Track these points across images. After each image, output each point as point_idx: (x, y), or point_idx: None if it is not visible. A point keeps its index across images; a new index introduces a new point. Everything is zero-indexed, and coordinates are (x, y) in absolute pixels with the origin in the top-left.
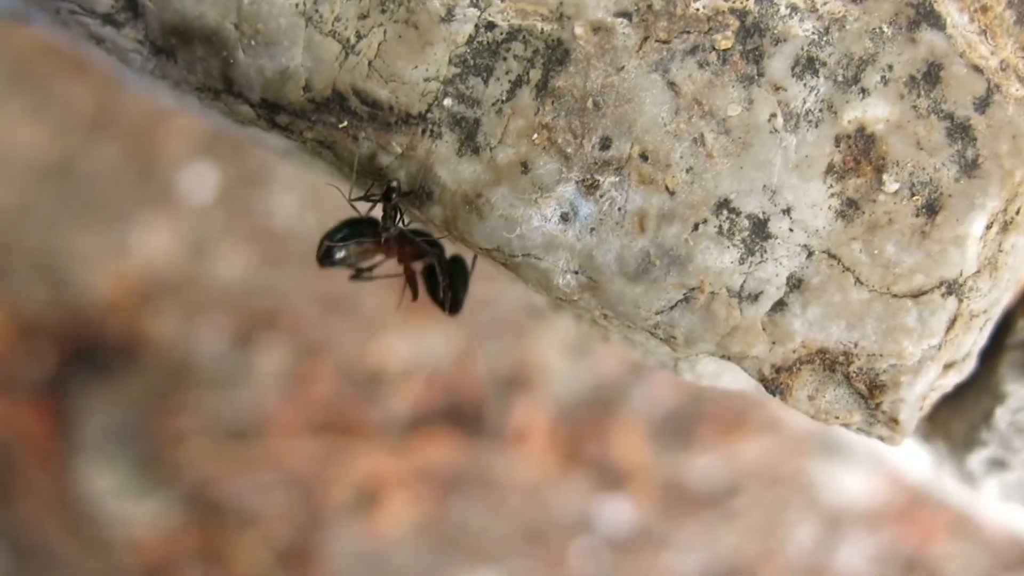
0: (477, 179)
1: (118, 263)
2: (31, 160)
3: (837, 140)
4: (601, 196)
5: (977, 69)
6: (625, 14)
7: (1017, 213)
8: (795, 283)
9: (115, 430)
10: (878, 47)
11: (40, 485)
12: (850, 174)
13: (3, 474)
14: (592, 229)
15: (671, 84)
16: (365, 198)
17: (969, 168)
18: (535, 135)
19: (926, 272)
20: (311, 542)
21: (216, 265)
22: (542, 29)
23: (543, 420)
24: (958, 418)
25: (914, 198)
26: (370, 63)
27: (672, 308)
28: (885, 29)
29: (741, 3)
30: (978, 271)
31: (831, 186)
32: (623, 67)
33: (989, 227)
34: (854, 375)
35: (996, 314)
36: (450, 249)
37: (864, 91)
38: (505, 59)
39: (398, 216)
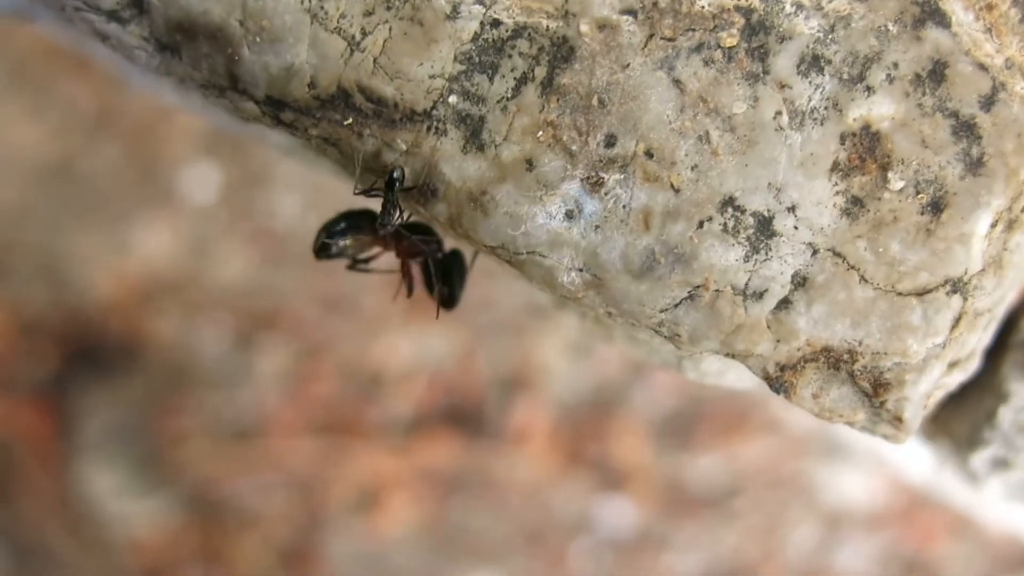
0: (482, 176)
1: (119, 263)
2: (32, 160)
3: (842, 138)
4: (606, 194)
5: (982, 67)
6: (630, 11)
7: (1022, 211)
8: (800, 281)
9: (116, 430)
10: (883, 45)
11: (41, 485)
12: (855, 172)
13: (4, 474)
14: (597, 227)
15: (676, 82)
16: (369, 192)
17: (974, 166)
18: (540, 132)
19: (931, 270)
20: (312, 542)
21: (217, 265)
22: (547, 26)
23: (544, 421)
24: (961, 417)
25: (919, 196)
26: (375, 60)
27: (677, 306)
28: (890, 27)
29: (746, 1)
30: (983, 269)
31: (836, 184)
32: (628, 64)
33: (994, 225)
34: (858, 373)
35: (1000, 313)
36: (451, 244)
37: (869, 89)
38: (510, 56)
39: (398, 209)
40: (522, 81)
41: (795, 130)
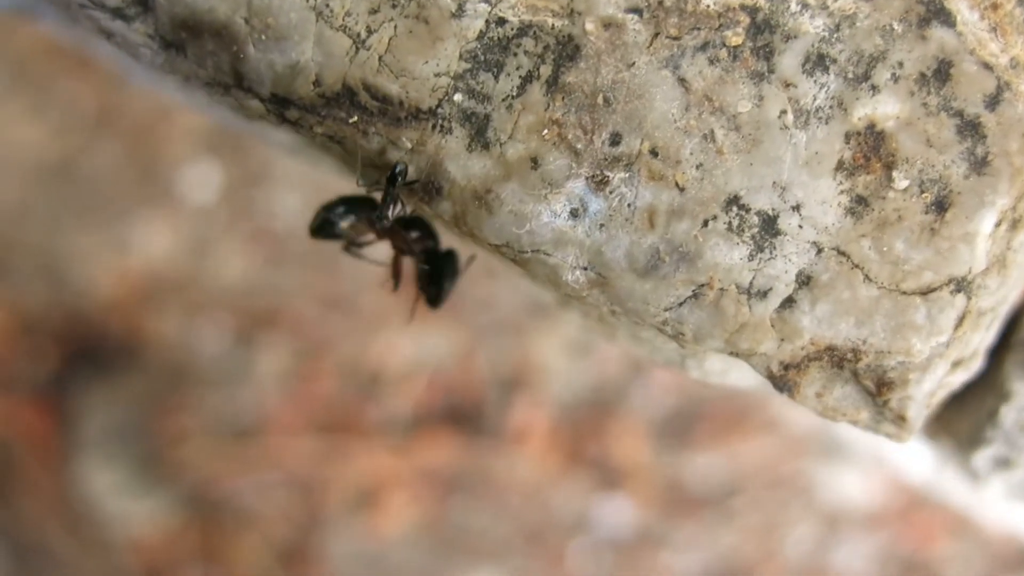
0: (487, 175)
1: (120, 262)
2: (33, 159)
3: (847, 137)
4: (611, 192)
5: (987, 66)
6: (636, 10)
7: None
8: (804, 280)
9: (116, 429)
10: (888, 44)
11: (40, 484)
12: (860, 171)
13: (3, 473)
14: (602, 225)
15: (681, 80)
16: (372, 187)
17: (979, 165)
18: (545, 131)
19: (935, 269)
20: (311, 542)
21: (218, 264)
22: (553, 25)
23: (543, 420)
24: (963, 416)
25: (923, 195)
26: (380, 58)
27: (681, 305)
28: (895, 26)
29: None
30: (987, 268)
31: (841, 183)
32: (633, 63)
33: (998, 224)
34: (862, 372)
35: (1004, 312)
36: (452, 244)
37: (874, 88)
38: (516, 55)
39: (397, 204)
40: (527, 79)
41: (800, 129)
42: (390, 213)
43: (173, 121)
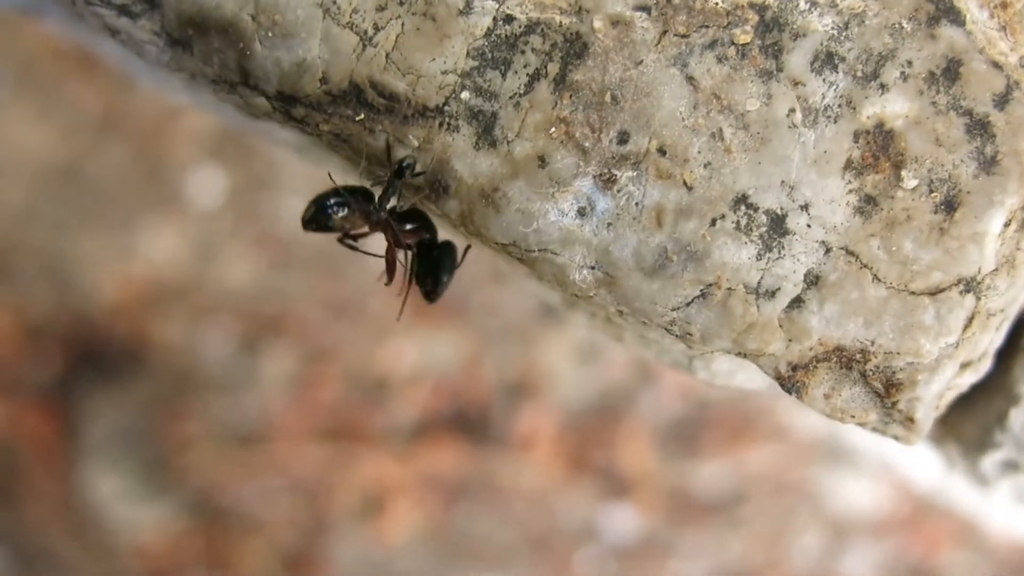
0: (494, 173)
1: (125, 266)
2: (39, 162)
3: (856, 136)
4: (618, 191)
5: (996, 65)
6: (644, 8)
7: None
8: (812, 280)
9: (121, 434)
10: (897, 43)
11: (45, 489)
12: (868, 170)
13: (8, 477)
14: (609, 224)
15: (690, 78)
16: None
17: (988, 165)
18: (553, 129)
19: (944, 269)
20: (316, 548)
21: (223, 269)
22: (560, 22)
23: (549, 427)
24: (971, 420)
25: (932, 195)
26: (387, 55)
27: (688, 304)
28: (905, 25)
29: None
30: (996, 269)
31: (849, 182)
32: (641, 61)
33: (1007, 224)
34: (871, 373)
35: (1013, 313)
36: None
37: (883, 87)
38: (523, 52)
39: (397, 197)
40: (535, 77)
41: (808, 128)
42: (388, 205)
43: (179, 125)
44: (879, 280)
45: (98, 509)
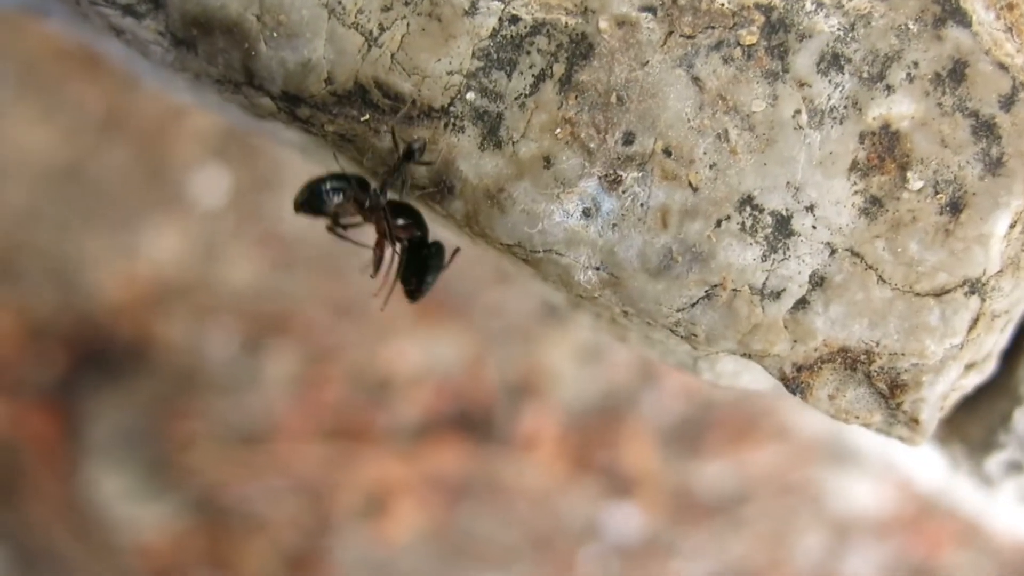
0: (499, 173)
1: (128, 266)
2: (42, 162)
3: (861, 137)
4: (624, 192)
5: (1003, 67)
6: (650, 8)
7: None
8: (818, 281)
9: (124, 434)
10: (904, 44)
11: (48, 488)
12: (874, 171)
13: (11, 477)
14: (614, 225)
15: (695, 79)
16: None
17: (994, 166)
18: (558, 130)
19: (949, 271)
20: (319, 548)
21: (226, 269)
22: (566, 23)
23: (552, 427)
24: (975, 420)
25: (938, 196)
26: (393, 56)
27: (694, 305)
28: (911, 26)
29: None
30: (1001, 270)
31: (855, 183)
32: (647, 62)
33: (1013, 226)
34: (875, 374)
35: (1018, 315)
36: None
37: (889, 88)
38: (529, 53)
39: (403, 181)
40: (540, 78)
41: (814, 129)
42: (391, 191)
43: (182, 125)
44: (884, 281)
45: (101, 509)
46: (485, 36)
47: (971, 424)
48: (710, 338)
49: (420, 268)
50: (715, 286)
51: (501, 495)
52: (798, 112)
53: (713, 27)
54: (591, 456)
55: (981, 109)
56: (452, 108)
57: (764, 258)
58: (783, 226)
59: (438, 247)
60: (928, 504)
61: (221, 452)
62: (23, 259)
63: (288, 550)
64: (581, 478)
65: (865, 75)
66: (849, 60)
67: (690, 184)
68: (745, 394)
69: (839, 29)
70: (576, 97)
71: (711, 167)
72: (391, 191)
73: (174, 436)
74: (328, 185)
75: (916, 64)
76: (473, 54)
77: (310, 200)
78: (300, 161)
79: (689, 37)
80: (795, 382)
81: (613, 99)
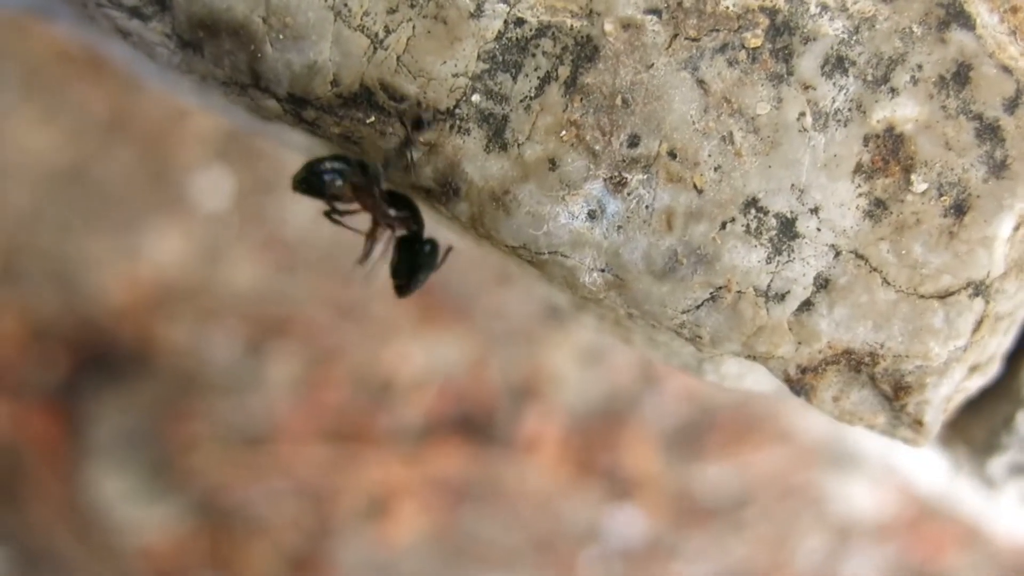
0: (504, 176)
1: (131, 268)
2: (45, 164)
3: (866, 140)
4: (629, 194)
5: (1007, 70)
6: (655, 11)
7: None
8: (822, 283)
9: (126, 436)
10: (908, 47)
11: (50, 490)
12: (878, 174)
13: (13, 478)
14: (619, 227)
15: (700, 82)
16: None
17: (997, 169)
18: (563, 132)
19: (953, 273)
20: (321, 550)
21: (229, 271)
22: (571, 26)
23: (555, 429)
24: (979, 422)
25: (942, 198)
26: (398, 58)
27: (698, 307)
28: (915, 29)
29: (771, 1)
30: (1005, 273)
31: (859, 186)
32: (652, 64)
33: (1017, 228)
34: (879, 376)
35: (1021, 317)
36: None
37: (893, 91)
38: (534, 55)
39: (411, 156)
40: (545, 80)
41: (819, 131)
42: (402, 165)
43: (185, 127)
44: (888, 283)
45: (103, 510)
46: (490, 39)
47: (974, 426)
48: (715, 340)
49: (412, 264)
50: (720, 288)
51: (503, 498)
52: (802, 115)
53: (718, 30)
54: (593, 459)
55: (985, 112)
56: (457, 110)
57: (769, 260)
58: (788, 228)
59: (433, 245)
60: (929, 507)
61: (223, 454)
62: (26, 261)
63: (290, 552)
64: (583, 481)
65: (869, 78)
66: (853, 63)
67: (695, 186)
68: (747, 397)
69: (843, 32)
70: (581, 99)
71: (716, 169)
72: (394, 172)
73: (176, 438)
74: (328, 165)
75: (920, 67)
76: (478, 56)
77: (308, 179)
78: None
79: (694, 40)
80: (799, 384)
81: (618, 101)
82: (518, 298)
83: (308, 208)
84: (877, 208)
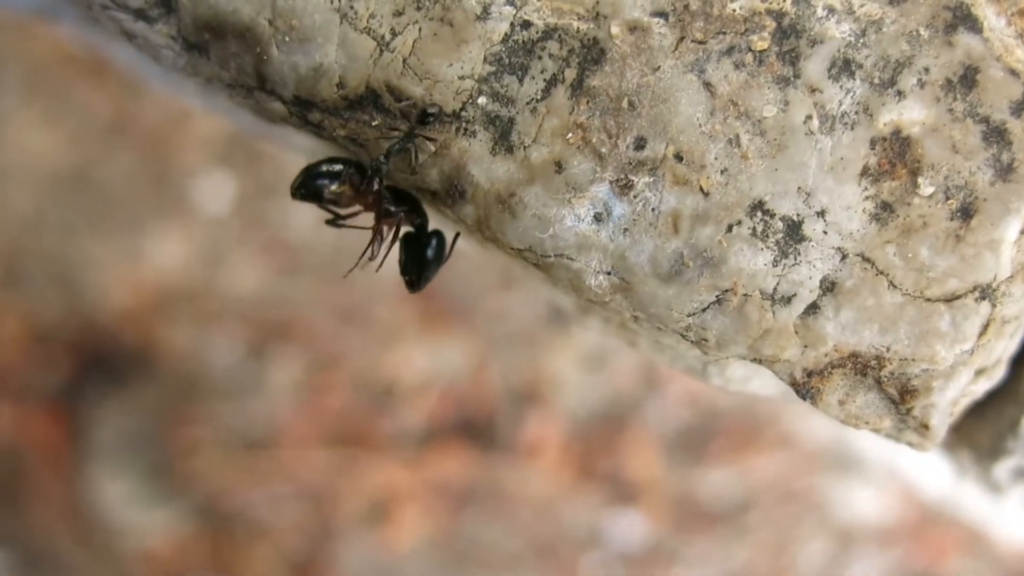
0: (511, 178)
1: (133, 272)
2: (47, 167)
3: (872, 143)
4: (635, 196)
5: (1014, 73)
6: (661, 14)
7: None
8: (828, 286)
9: (128, 439)
10: (915, 50)
11: (52, 493)
12: (885, 177)
13: (15, 481)
14: (625, 230)
15: (707, 85)
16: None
17: (1004, 172)
18: (569, 134)
19: (960, 276)
20: (323, 554)
21: (231, 275)
22: (578, 28)
23: (556, 434)
24: (984, 426)
25: (949, 202)
26: (405, 60)
27: (704, 310)
28: (922, 32)
29: (778, 4)
30: (1011, 276)
31: (866, 189)
32: (659, 67)
33: (1023, 232)
34: (886, 379)
35: None
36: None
37: (900, 94)
38: (540, 58)
39: (415, 151)
40: (552, 83)
41: (825, 134)
42: (404, 159)
43: (188, 130)
44: (895, 287)
45: (104, 514)
46: (497, 41)
47: (979, 430)
48: (720, 343)
49: (420, 259)
50: (726, 291)
51: (505, 502)
52: (809, 117)
53: (725, 32)
54: (595, 463)
55: (992, 115)
56: (464, 113)
57: (775, 263)
58: (794, 231)
59: (439, 237)
60: (932, 511)
61: (225, 458)
62: (28, 264)
63: (292, 556)
64: (585, 485)
65: (876, 81)
66: (860, 66)
67: (701, 189)
68: (750, 401)
69: (850, 35)
70: (588, 102)
71: (722, 172)
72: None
73: (178, 442)
74: (325, 168)
75: (927, 70)
76: (485, 59)
77: (306, 183)
78: None
79: (701, 42)
80: (805, 387)
81: (625, 104)
82: (520, 302)
83: (310, 212)
84: (884, 211)
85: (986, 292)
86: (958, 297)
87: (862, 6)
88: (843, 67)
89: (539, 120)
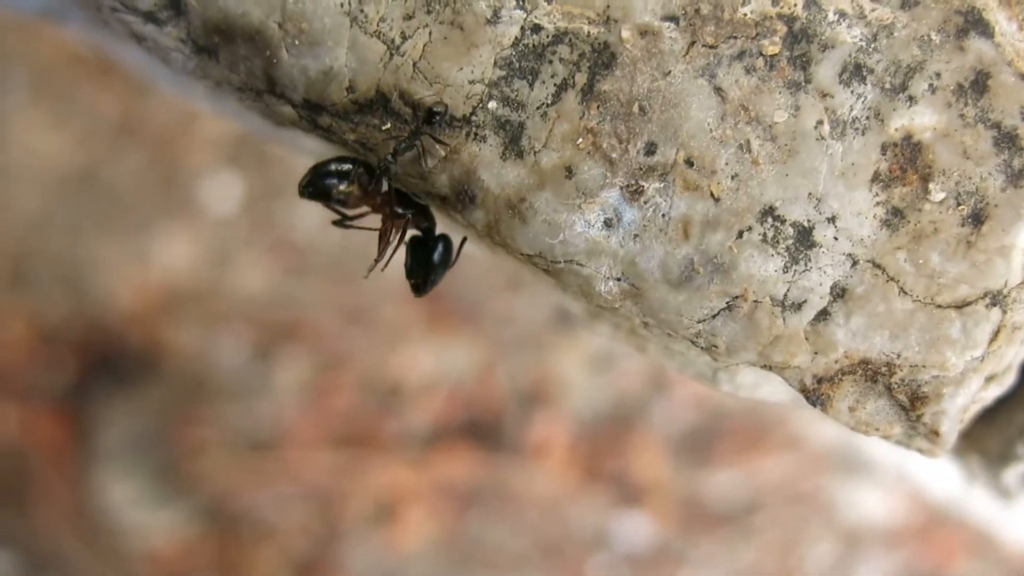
0: (521, 183)
1: (140, 272)
2: (55, 167)
3: (883, 148)
4: (645, 202)
5: None
6: (672, 18)
7: None
8: (839, 292)
9: (134, 440)
10: (926, 55)
11: (57, 494)
12: (896, 183)
13: (20, 482)
14: (636, 235)
15: (718, 89)
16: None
17: (1016, 178)
18: (580, 139)
19: (971, 283)
20: (329, 555)
21: (238, 276)
22: (588, 32)
23: (563, 435)
24: (994, 432)
25: (960, 208)
26: (415, 64)
27: (715, 317)
28: (933, 37)
29: (789, 9)
30: (1022, 282)
31: (877, 195)
32: (669, 72)
33: None
34: (896, 386)
35: None
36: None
37: (911, 99)
38: (551, 62)
39: (422, 151)
40: (562, 87)
41: (836, 140)
42: (411, 158)
43: (195, 131)
44: (905, 293)
45: (110, 514)
46: (507, 45)
47: (989, 436)
48: (730, 349)
49: (426, 262)
50: (736, 297)
51: (511, 503)
52: (820, 123)
53: (735, 37)
54: (601, 464)
55: (1003, 120)
56: (474, 117)
57: (785, 269)
58: (805, 237)
59: (446, 241)
60: (939, 514)
61: (231, 459)
62: (35, 264)
63: (298, 557)
64: (591, 486)
65: (887, 86)
66: (871, 71)
67: (712, 195)
68: (761, 404)
69: (862, 40)
70: (598, 107)
71: (733, 178)
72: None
73: (184, 442)
74: (334, 167)
75: (938, 75)
76: (495, 63)
77: (314, 182)
78: None
79: (711, 47)
80: (815, 394)
81: (635, 109)
82: (527, 303)
83: (317, 213)
84: (894, 217)
85: (997, 298)
86: (969, 303)
87: (873, 10)
88: (854, 72)
89: (549, 125)
